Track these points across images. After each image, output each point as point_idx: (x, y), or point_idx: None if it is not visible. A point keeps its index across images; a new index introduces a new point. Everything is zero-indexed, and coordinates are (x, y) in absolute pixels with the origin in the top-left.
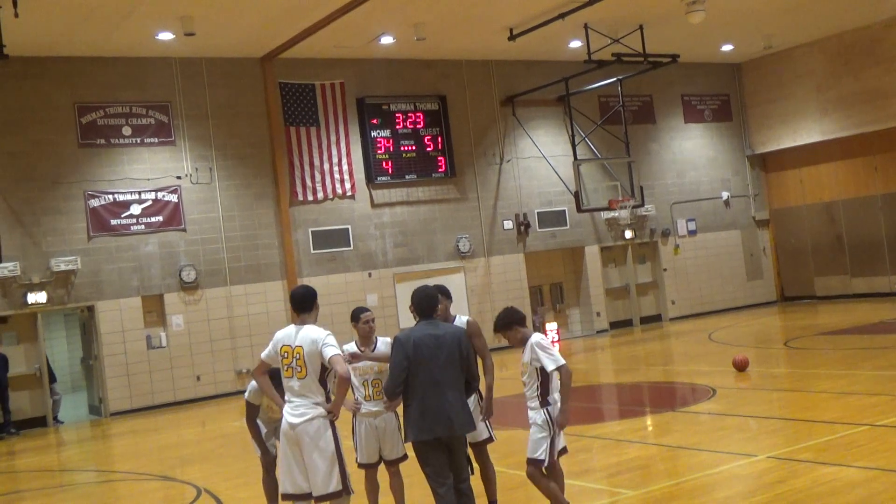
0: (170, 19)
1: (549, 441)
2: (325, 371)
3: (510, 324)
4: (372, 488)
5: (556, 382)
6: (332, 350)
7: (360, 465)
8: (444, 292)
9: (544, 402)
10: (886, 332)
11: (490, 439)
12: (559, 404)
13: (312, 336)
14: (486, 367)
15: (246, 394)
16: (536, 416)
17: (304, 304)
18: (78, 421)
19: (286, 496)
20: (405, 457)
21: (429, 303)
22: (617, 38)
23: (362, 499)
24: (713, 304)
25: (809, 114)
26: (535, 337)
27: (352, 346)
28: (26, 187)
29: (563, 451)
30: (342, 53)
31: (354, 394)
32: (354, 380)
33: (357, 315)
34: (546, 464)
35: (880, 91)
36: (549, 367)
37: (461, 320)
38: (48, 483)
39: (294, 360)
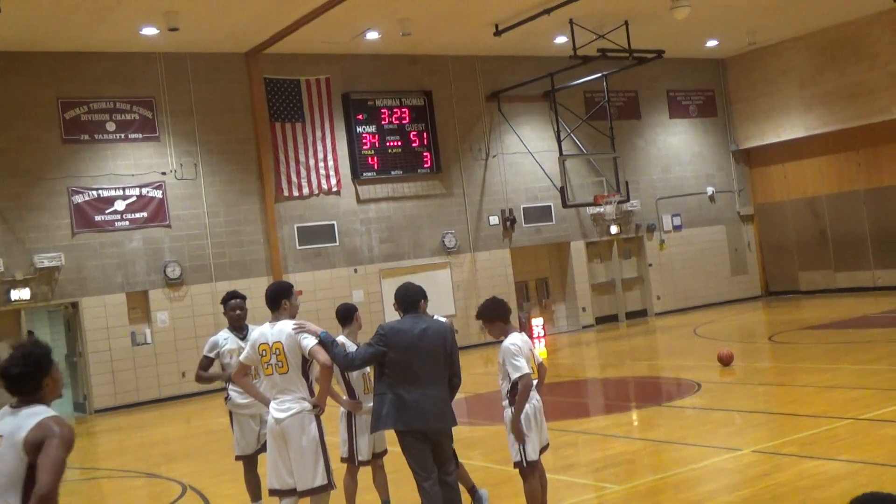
0: (154, 14)
1: (518, 442)
2: (306, 363)
3: (494, 319)
4: (352, 486)
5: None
6: (309, 342)
7: (360, 463)
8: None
9: (513, 402)
10: (869, 327)
11: None
12: (533, 403)
13: (288, 330)
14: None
15: (206, 349)
16: (506, 416)
17: (274, 302)
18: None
19: (273, 492)
20: (386, 450)
21: (412, 298)
22: (602, 34)
23: (360, 494)
24: (698, 299)
25: (793, 109)
26: (508, 341)
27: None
28: (9, 183)
29: (545, 447)
30: (328, 49)
31: (354, 391)
32: (352, 375)
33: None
34: (524, 464)
35: (864, 87)
36: (513, 376)
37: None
38: None
39: (274, 356)
